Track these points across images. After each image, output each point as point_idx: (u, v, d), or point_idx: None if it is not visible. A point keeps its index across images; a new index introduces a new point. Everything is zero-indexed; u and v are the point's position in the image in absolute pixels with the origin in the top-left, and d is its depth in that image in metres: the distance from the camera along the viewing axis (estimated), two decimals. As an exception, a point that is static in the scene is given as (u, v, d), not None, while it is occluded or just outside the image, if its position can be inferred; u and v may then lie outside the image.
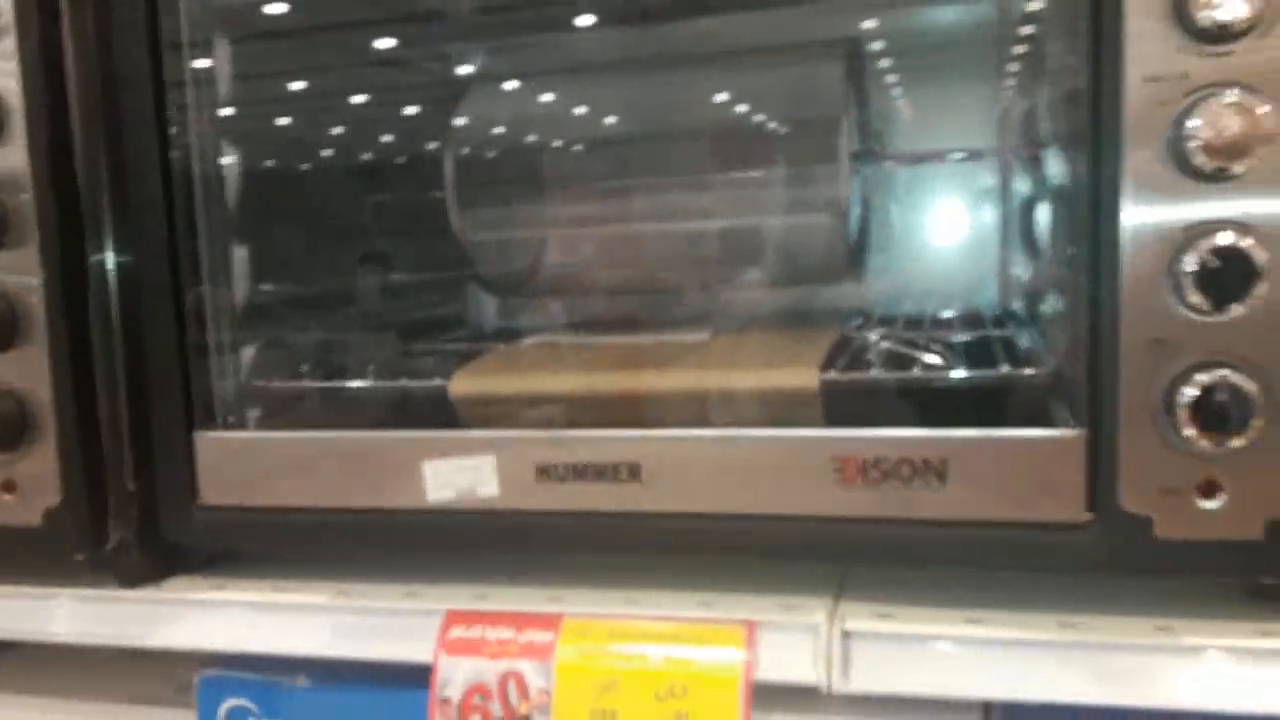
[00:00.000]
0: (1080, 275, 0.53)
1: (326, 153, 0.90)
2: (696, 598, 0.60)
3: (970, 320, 0.76)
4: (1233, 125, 0.48)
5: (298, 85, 0.83)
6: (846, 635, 0.56)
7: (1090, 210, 0.52)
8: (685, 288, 0.79)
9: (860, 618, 0.56)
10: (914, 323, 0.78)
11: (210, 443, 0.67)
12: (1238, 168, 0.48)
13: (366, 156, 0.92)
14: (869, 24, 0.80)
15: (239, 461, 0.67)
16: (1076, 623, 0.54)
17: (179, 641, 0.67)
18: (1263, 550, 0.50)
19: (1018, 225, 0.81)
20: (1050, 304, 0.66)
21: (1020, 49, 0.78)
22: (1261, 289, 0.48)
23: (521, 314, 0.97)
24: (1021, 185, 0.81)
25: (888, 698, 0.56)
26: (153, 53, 0.66)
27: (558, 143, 0.82)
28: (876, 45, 0.83)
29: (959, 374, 0.59)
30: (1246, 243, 0.48)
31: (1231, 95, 0.48)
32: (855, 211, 0.75)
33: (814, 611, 0.57)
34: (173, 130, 0.67)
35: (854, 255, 0.74)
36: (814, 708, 0.58)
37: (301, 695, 0.66)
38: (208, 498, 0.67)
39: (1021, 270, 0.82)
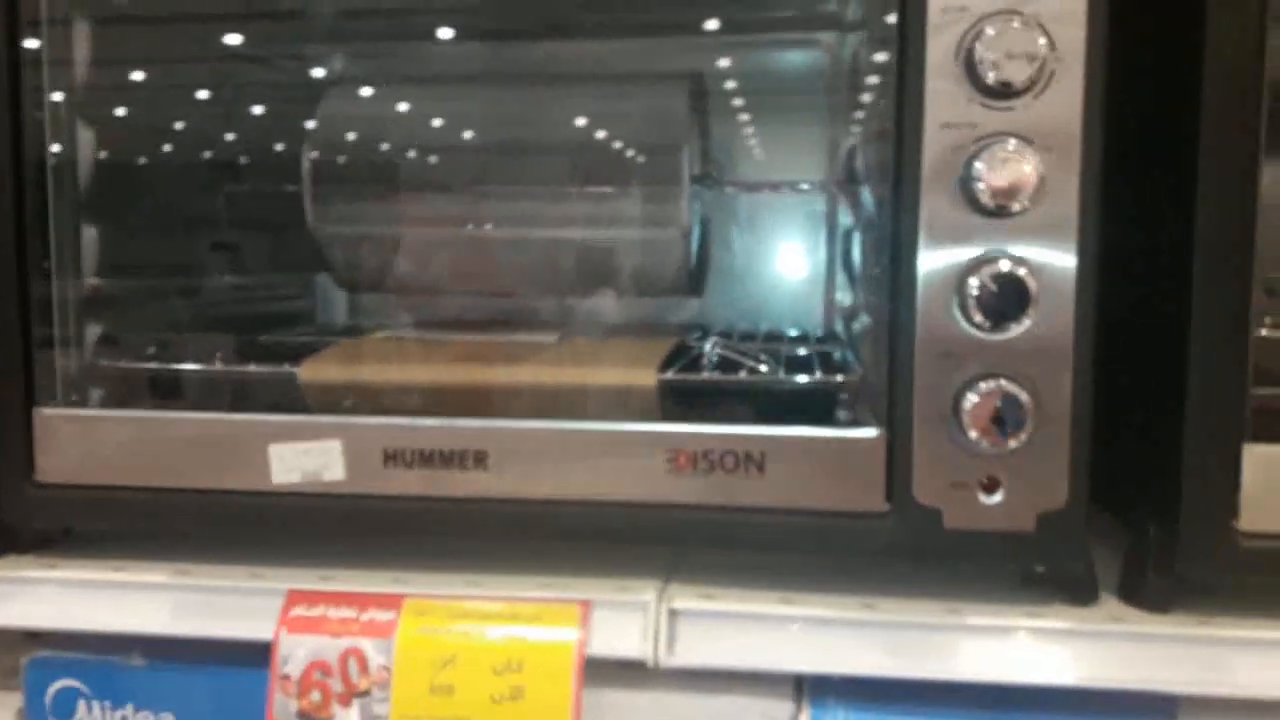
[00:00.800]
0: (883, 294, 0.60)
1: (180, 143, 0.90)
2: (537, 580, 0.64)
3: (797, 338, 0.83)
4: (1011, 169, 0.56)
5: (154, 73, 0.83)
6: (673, 613, 0.61)
7: (893, 237, 0.59)
8: (534, 295, 0.83)
9: (686, 597, 0.61)
10: (747, 337, 0.84)
11: (49, 420, 0.67)
12: (1015, 205, 0.56)
13: (220, 150, 0.92)
14: (714, 61, 0.87)
15: (79, 439, 0.67)
16: (877, 603, 0.60)
17: (8, 619, 0.66)
18: (1034, 540, 0.58)
19: (840, 253, 0.89)
20: (861, 321, 0.74)
21: (846, 93, 0.86)
22: (1032, 312, 0.56)
23: (371, 312, 0.99)
24: (844, 216, 0.89)
25: (709, 670, 0.61)
26: (9, 30, 0.66)
27: (414, 149, 0.85)
28: (720, 80, 0.90)
29: (779, 378, 0.65)
30: (1021, 271, 0.56)
31: (1011, 144, 0.56)
32: (695, 232, 0.81)
33: (644, 591, 0.62)
34: (26, 109, 0.67)
35: (694, 273, 0.80)
36: (642, 682, 0.62)
37: (137, 675, 0.66)
38: (45, 475, 0.67)
39: (842, 294, 0.89)
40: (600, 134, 0.82)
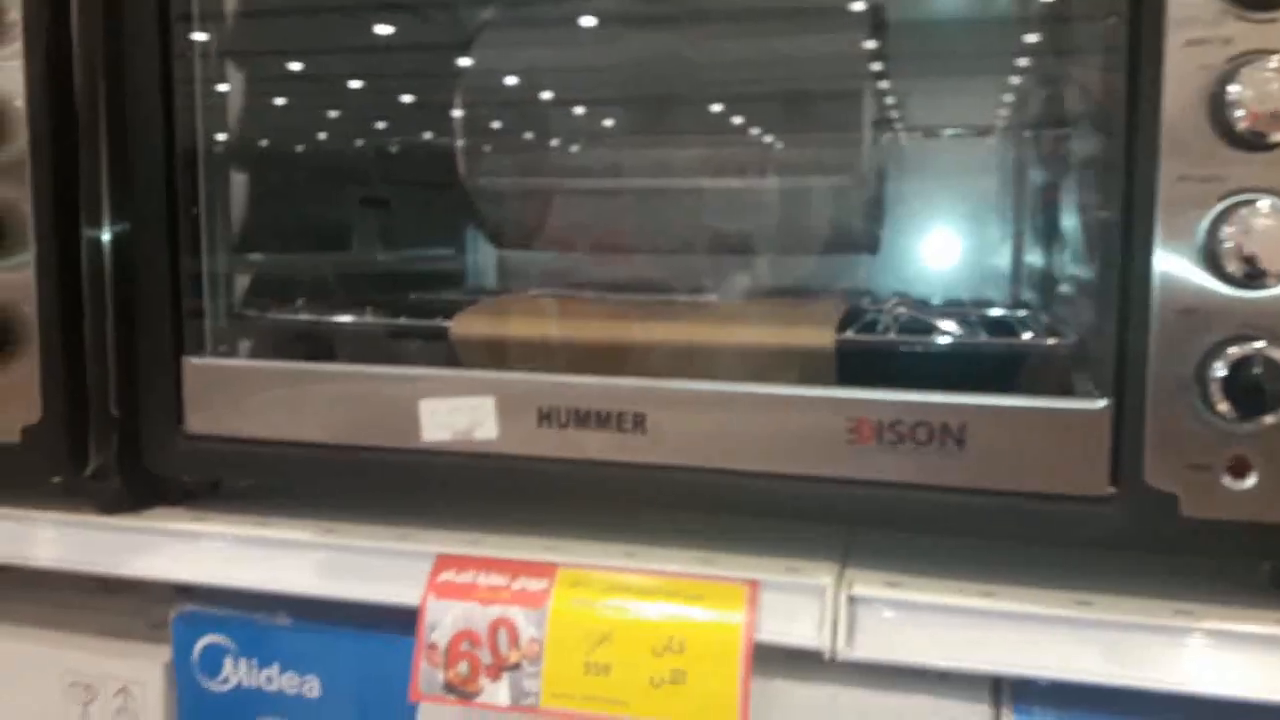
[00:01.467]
0: (1111, 241, 0.51)
1: (331, 92, 0.88)
2: (697, 555, 0.59)
3: (982, 302, 0.74)
4: (1276, 93, 0.47)
5: (304, 24, 0.81)
6: (853, 600, 0.54)
7: (1125, 173, 0.50)
8: (694, 249, 0.77)
9: (868, 584, 0.55)
10: (921, 303, 0.76)
11: (198, 369, 0.65)
12: (1278, 136, 0.47)
13: (373, 103, 0.89)
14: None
15: (228, 390, 0.64)
16: (1093, 600, 0.52)
17: (156, 572, 0.65)
18: (1291, 536, 0.49)
19: (1035, 206, 0.80)
20: (1069, 281, 0.65)
21: (1049, 23, 0.76)
22: (1302, 263, 0.47)
23: (520, 275, 0.95)
24: (1038, 166, 0.80)
25: (893, 667, 0.54)
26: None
27: (566, 98, 0.80)
28: (899, 17, 0.82)
29: (983, 341, 0.58)
30: (1291, 213, 0.47)
31: (1275, 62, 0.47)
32: (873, 181, 0.74)
33: (818, 574, 0.56)
34: (176, 47, 0.65)
35: (869, 226, 0.72)
36: (816, 674, 0.56)
37: (282, 634, 0.64)
38: (193, 426, 0.65)
39: (1035, 256, 0.80)
40: (773, 76, 0.75)
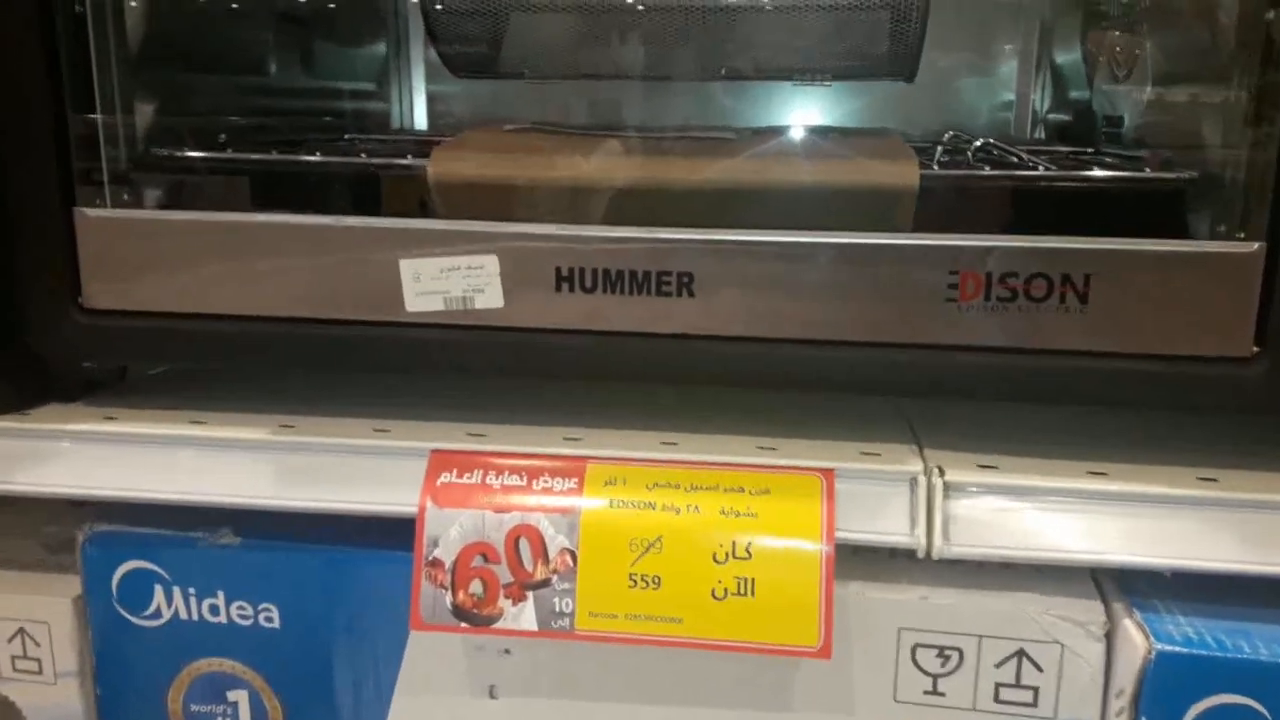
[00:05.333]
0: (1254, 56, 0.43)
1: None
2: (751, 442, 0.49)
3: (1038, 144, 0.65)
4: None
5: None
6: (949, 488, 0.46)
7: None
8: (703, 72, 0.64)
9: (961, 469, 0.46)
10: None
11: (96, 225, 0.50)
12: None
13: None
14: None
15: (139, 251, 0.50)
16: (1221, 478, 0.46)
17: (49, 485, 0.51)
18: None
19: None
20: (1157, 111, 0.56)
21: None
22: None
23: (461, 116, 0.80)
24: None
25: (989, 562, 0.46)
26: None
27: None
28: None
29: (1098, 176, 0.48)
30: None
31: None
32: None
33: (902, 459, 0.47)
34: None
35: (913, 50, 0.61)
36: (899, 575, 0.48)
37: (227, 556, 0.51)
38: (94, 298, 0.50)
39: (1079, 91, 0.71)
40: None
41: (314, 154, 0.53)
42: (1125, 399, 0.46)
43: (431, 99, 0.80)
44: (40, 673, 0.54)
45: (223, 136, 0.55)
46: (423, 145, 0.52)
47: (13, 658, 0.54)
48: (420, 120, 0.81)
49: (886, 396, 0.53)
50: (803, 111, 0.72)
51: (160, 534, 0.52)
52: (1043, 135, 0.71)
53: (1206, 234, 0.46)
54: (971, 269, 0.45)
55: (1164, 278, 0.44)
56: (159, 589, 0.52)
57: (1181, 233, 0.46)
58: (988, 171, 0.49)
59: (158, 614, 0.52)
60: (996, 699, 0.47)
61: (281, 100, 0.66)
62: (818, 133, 0.63)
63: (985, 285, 0.45)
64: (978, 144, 0.52)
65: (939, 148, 0.53)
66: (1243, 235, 0.44)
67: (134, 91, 0.52)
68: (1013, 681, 0.47)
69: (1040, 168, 0.49)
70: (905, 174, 0.48)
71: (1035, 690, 0.47)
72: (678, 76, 0.61)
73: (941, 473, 0.46)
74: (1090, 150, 0.58)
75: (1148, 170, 0.48)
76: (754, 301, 0.47)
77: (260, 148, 0.55)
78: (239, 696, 0.53)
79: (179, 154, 0.52)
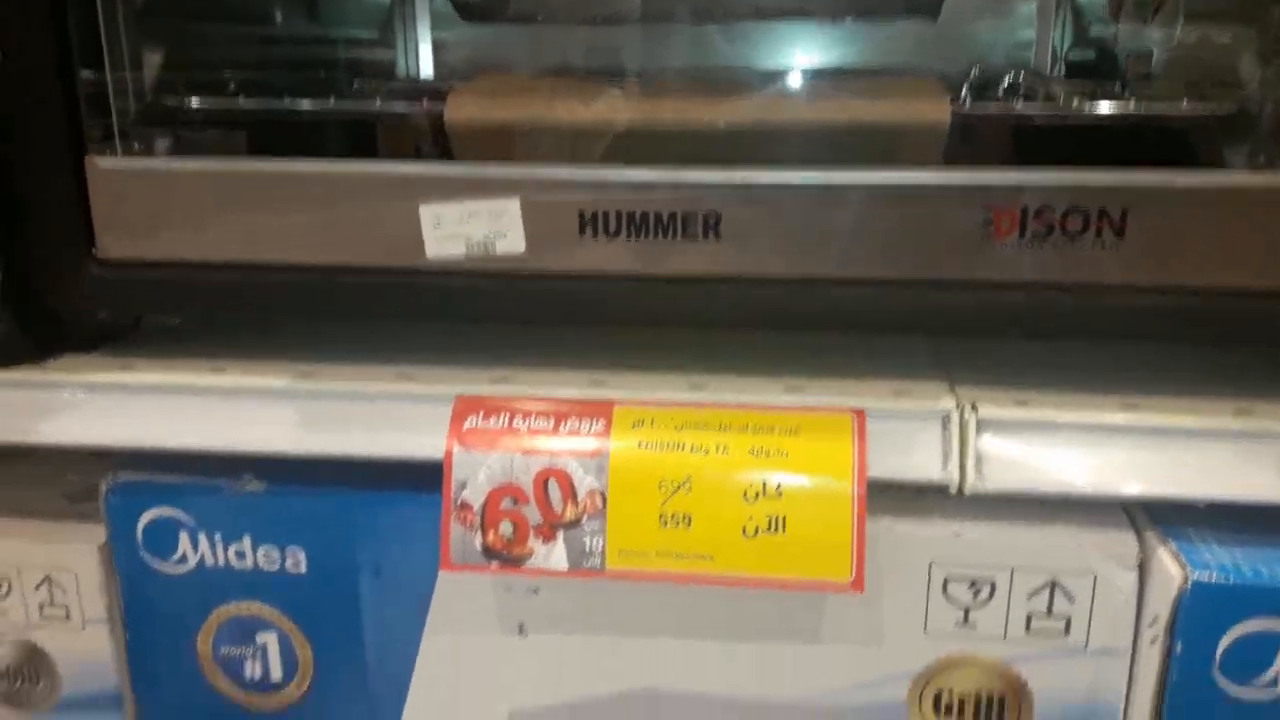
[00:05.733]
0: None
1: None
2: (780, 383, 0.49)
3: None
4: None
5: None
6: (983, 425, 0.46)
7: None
8: (725, 12, 0.62)
9: (996, 404, 0.46)
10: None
11: (109, 175, 0.49)
12: None
13: None
14: None
15: (154, 200, 0.49)
16: (1253, 408, 0.45)
17: (75, 436, 0.50)
18: None
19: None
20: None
21: None
22: None
23: (465, 66, 0.78)
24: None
25: (1023, 497, 0.46)
26: None
27: None
28: None
29: (1136, 109, 0.47)
30: None
31: None
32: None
33: (935, 397, 0.47)
34: None
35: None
36: (931, 511, 0.48)
37: (252, 502, 0.51)
38: (108, 249, 0.49)
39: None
40: None
41: (327, 100, 0.52)
42: (1162, 333, 0.45)
43: (437, 47, 0.78)
44: (68, 619, 0.54)
45: (231, 85, 0.53)
46: (434, 92, 0.51)
47: (41, 605, 0.54)
48: (426, 69, 0.79)
49: (918, 337, 0.53)
50: (823, 54, 0.70)
51: (183, 481, 0.52)
52: (1063, 73, 0.69)
53: (1244, 167, 0.45)
54: (1006, 205, 0.44)
55: (1201, 210, 0.43)
56: (184, 535, 0.52)
57: (1218, 166, 0.45)
58: (1020, 106, 0.48)
59: (184, 560, 0.52)
60: (1028, 629, 0.48)
61: (287, 49, 0.64)
62: (844, 72, 0.62)
63: (1020, 221, 0.44)
64: (1007, 78, 0.51)
65: (966, 84, 0.52)
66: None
67: (142, 41, 0.50)
68: (1045, 612, 0.47)
69: (1074, 101, 0.48)
70: (935, 110, 0.47)
71: (1067, 620, 0.47)
72: (699, 17, 0.59)
73: (974, 409, 0.46)
74: (1117, 86, 0.57)
75: (1185, 102, 0.47)
76: (783, 242, 0.46)
77: (271, 96, 0.53)
78: (268, 639, 0.54)
79: (189, 102, 0.51)
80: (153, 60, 0.51)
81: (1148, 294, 0.44)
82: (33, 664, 0.55)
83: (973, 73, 0.54)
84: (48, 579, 0.54)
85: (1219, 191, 0.43)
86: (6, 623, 0.54)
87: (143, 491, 0.52)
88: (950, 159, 0.47)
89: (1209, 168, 0.44)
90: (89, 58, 0.48)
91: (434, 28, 0.77)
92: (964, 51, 0.69)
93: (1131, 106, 0.47)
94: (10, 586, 0.54)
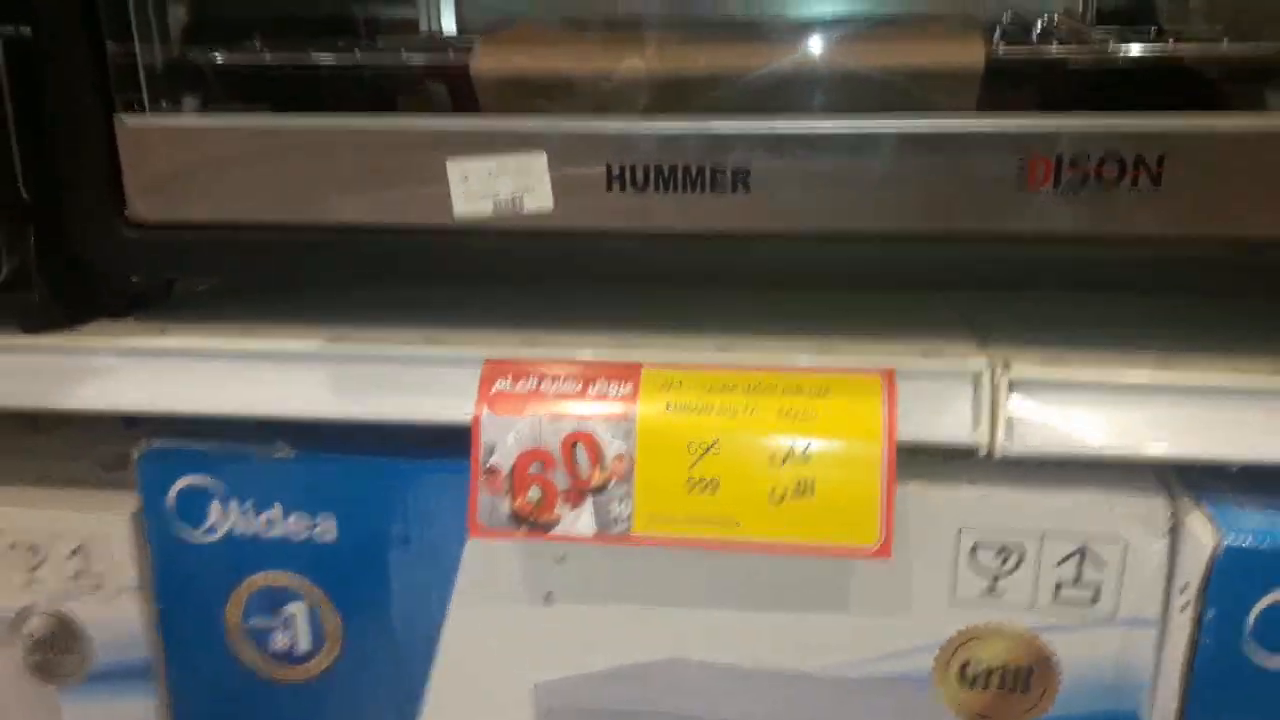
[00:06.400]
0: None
1: None
2: (810, 344, 0.48)
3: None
4: None
5: None
6: (1014, 386, 0.45)
7: None
8: None
9: (1027, 364, 0.45)
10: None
11: (138, 133, 0.49)
12: None
13: None
14: None
15: (181, 159, 0.49)
16: (1296, 367, 0.44)
17: (110, 402, 0.51)
18: None
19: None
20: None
21: None
22: None
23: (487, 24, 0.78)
24: None
25: (1055, 459, 0.46)
26: None
27: None
28: None
29: (1176, 47, 0.46)
30: None
31: None
32: None
33: (966, 357, 0.46)
34: None
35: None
36: (959, 474, 0.47)
37: (282, 470, 0.51)
38: (141, 211, 0.50)
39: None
40: None
41: (353, 53, 0.52)
42: (1202, 285, 0.44)
43: (460, 3, 0.78)
44: (101, 588, 0.54)
45: (256, 43, 0.53)
46: (460, 47, 0.51)
47: (75, 574, 0.54)
48: (449, 26, 0.79)
49: (948, 296, 0.52)
50: (854, 2, 0.69)
51: (215, 449, 0.52)
52: (1094, 19, 0.68)
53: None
54: (1040, 152, 0.43)
55: (1243, 155, 0.42)
56: (215, 503, 0.52)
57: (1260, 108, 0.44)
58: (1056, 48, 0.47)
59: (214, 529, 0.53)
60: (1056, 598, 0.47)
61: (308, 7, 0.64)
62: (875, 19, 0.61)
63: (1055, 170, 0.43)
64: (1041, 22, 0.50)
65: (998, 28, 0.51)
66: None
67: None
68: (1073, 579, 0.46)
69: (1109, 43, 0.47)
70: (969, 53, 0.46)
71: (1096, 587, 0.46)
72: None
73: (1007, 368, 0.45)
74: (1154, 28, 0.56)
75: (1226, 42, 0.46)
76: (813, 195, 0.45)
77: (297, 51, 0.53)
78: (297, 609, 0.54)
79: (215, 58, 0.51)
80: (177, 15, 0.51)
81: (1186, 244, 0.43)
82: (65, 634, 0.56)
83: (1004, 17, 0.53)
84: (80, 548, 0.54)
85: (1260, 135, 0.42)
86: (41, 591, 0.55)
87: (175, 458, 0.52)
88: (983, 107, 0.46)
89: (1253, 109, 0.43)
90: (113, 14, 0.48)
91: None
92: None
93: (1170, 47, 0.46)
94: (45, 555, 0.54)
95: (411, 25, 0.76)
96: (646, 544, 0.46)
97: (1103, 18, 0.61)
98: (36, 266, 0.50)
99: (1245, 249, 0.43)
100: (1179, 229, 0.43)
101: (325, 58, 0.51)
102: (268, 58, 0.51)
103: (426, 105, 0.53)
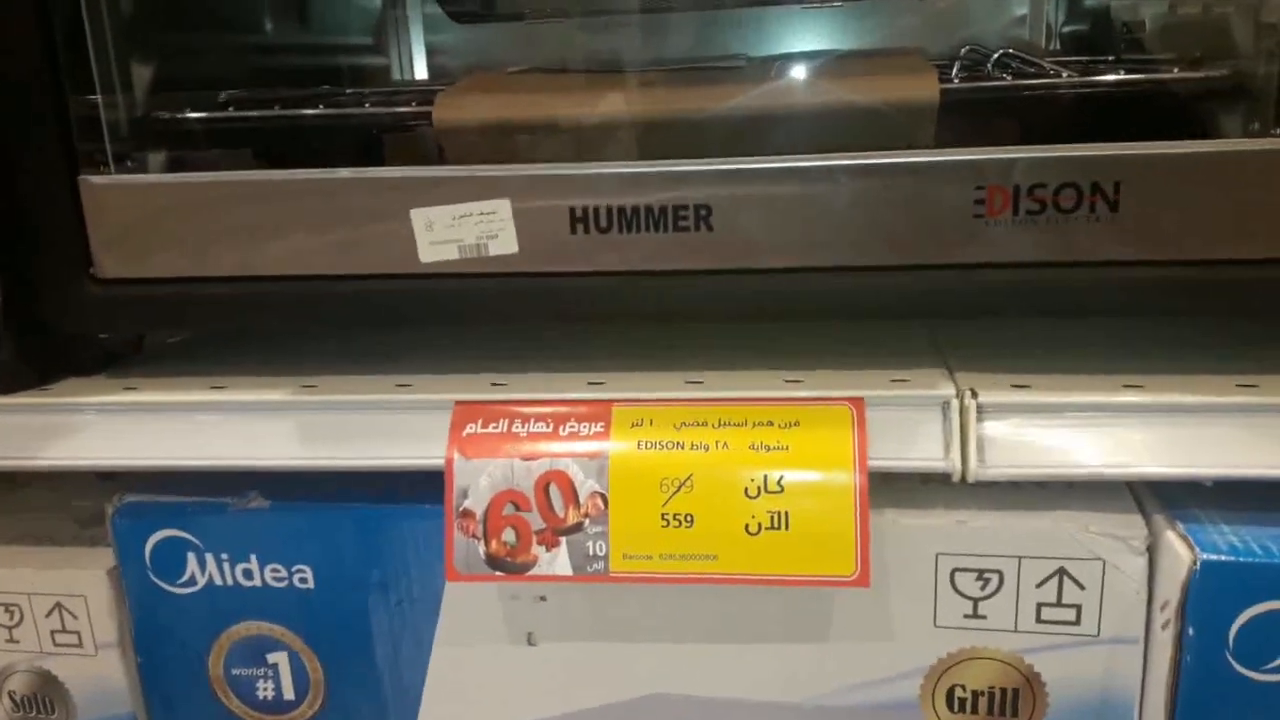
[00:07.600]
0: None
1: None
2: (778, 376, 0.48)
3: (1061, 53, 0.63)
4: None
5: None
6: (984, 410, 0.45)
7: None
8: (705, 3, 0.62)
9: (995, 390, 0.46)
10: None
11: (102, 192, 0.49)
12: None
13: None
14: None
15: (146, 216, 0.49)
16: (1260, 383, 0.45)
17: (83, 457, 0.50)
18: None
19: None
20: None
21: None
22: None
23: (457, 72, 0.79)
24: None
25: (1025, 483, 0.46)
26: None
27: None
28: None
29: (1126, 78, 0.47)
30: None
31: None
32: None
33: (934, 384, 0.46)
34: None
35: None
36: (934, 500, 0.47)
37: (257, 520, 0.51)
38: (107, 268, 0.50)
39: None
40: None
41: (318, 108, 0.52)
42: (1162, 308, 0.45)
43: (431, 51, 0.79)
44: (80, 645, 0.54)
45: (223, 96, 0.54)
46: (427, 95, 0.51)
47: (52, 632, 0.54)
48: (420, 73, 0.80)
49: (914, 323, 0.52)
50: (812, 38, 0.70)
51: (189, 502, 0.52)
52: (1058, 48, 0.69)
53: (1239, 134, 0.44)
54: (998, 183, 0.44)
55: (1197, 180, 0.43)
56: (192, 556, 0.52)
57: (1213, 135, 0.45)
58: (1010, 81, 0.47)
59: (192, 581, 0.52)
60: (1038, 619, 0.47)
61: (280, 58, 0.64)
62: (832, 55, 0.62)
63: (1013, 199, 0.44)
64: (996, 55, 0.51)
65: (957, 62, 0.52)
66: (1278, 132, 0.43)
67: (131, 54, 0.51)
68: (1054, 601, 0.46)
69: (1064, 74, 0.48)
70: (925, 87, 0.46)
71: (1078, 608, 0.46)
72: (681, 4, 0.59)
73: (974, 394, 0.45)
74: (1110, 58, 0.57)
75: (1176, 70, 0.47)
76: (775, 231, 0.46)
77: (263, 107, 0.53)
78: (279, 658, 0.53)
79: (183, 116, 0.51)
80: (143, 75, 0.51)
81: (1145, 268, 0.43)
82: (47, 692, 0.55)
83: (963, 50, 0.54)
84: (59, 605, 0.54)
85: (1213, 159, 0.42)
86: (20, 652, 0.55)
87: (149, 513, 0.52)
88: (943, 141, 0.46)
89: (1206, 136, 0.44)
90: (77, 76, 0.48)
91: (427, 32, 0.77)
92: (957, 32, 0.69)
93: (1120, 77, 0.47)
94: (22, 614, 0.54)
95: (384, 74, 0.77)
96: (624, 581, 0.46)
97: (1067, 47, 0.62)
98: (4, 328, 0.50)
99: (1204, 270, 0.43)
100: (1137, 253, 0.43)
101: (290, 112, 0.51)
102: (232, 113, 0.51)
103: (404, 155, 0.54)
